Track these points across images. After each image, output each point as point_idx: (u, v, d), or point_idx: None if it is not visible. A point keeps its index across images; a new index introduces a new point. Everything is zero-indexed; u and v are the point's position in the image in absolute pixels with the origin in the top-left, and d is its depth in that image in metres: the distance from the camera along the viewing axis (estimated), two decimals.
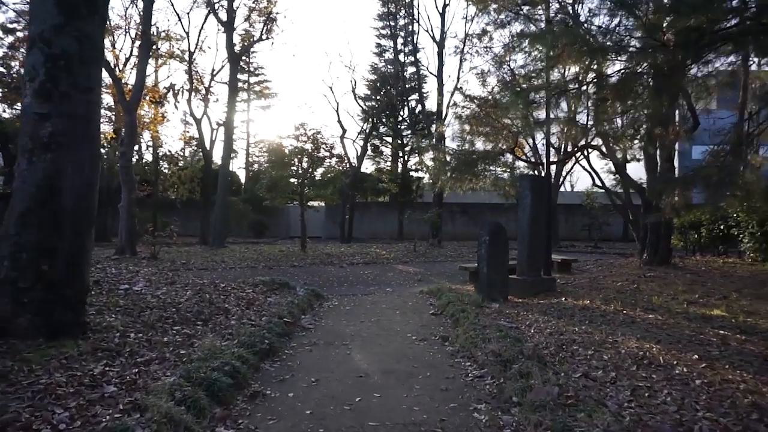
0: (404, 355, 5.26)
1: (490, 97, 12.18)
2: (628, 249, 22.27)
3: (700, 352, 4.61)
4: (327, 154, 17.38)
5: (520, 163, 19.85)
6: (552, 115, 9.51)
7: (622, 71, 5.70)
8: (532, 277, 9.07)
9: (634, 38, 5.34)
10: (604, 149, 14.28)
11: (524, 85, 9.06)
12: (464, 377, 4.52)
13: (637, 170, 31.13)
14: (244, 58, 36.30)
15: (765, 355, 4.49)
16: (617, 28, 5.45)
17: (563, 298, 7.97)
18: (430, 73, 24.93)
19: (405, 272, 13.57)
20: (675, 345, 4.88)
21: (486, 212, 29.12)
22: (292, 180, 17.26)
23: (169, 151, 28.78)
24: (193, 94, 21.85)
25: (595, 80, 6.39)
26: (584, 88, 6.77)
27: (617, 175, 16.27)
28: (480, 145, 11.80)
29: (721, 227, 15.37)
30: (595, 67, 6.14)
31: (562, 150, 17.15)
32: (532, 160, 12.74)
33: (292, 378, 4.48)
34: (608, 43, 5.33)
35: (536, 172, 14.83)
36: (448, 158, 12.03)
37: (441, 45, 22.35)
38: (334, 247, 20.00)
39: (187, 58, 21.69)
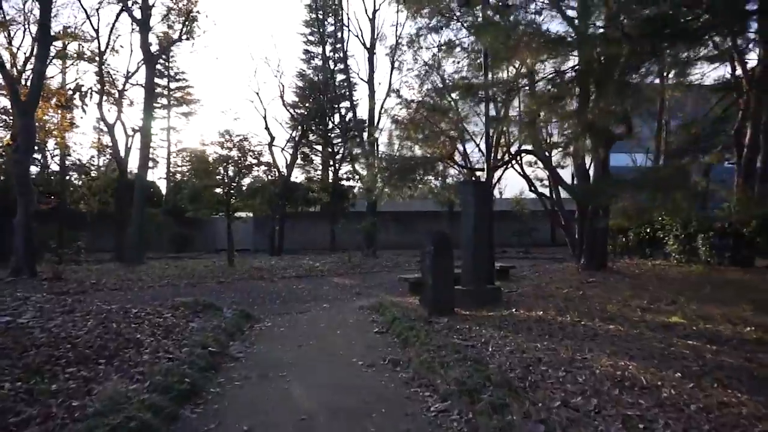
0: (352, 386, 4.56)
1: (428, 100, 11.74)
2: (557, 253, 22.75)
3: (678, 368, 4.25)
4: (254, 161, 16.32)
5: (453, 171, 19.77)
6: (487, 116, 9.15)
7: (577, 66, 5.38)
8: (477, 287, 8.63)
9: (600, 27, 5.04)
10: (537, 155, 14.31)
11: (474, 81, 8.66)
12: (426, 412, 3.88)
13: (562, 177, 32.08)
14: (163, 61, 34.24)
15: (750, 369, 4.19)
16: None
17: (514, 309, 7.57)
18: (361, 79, 24.50)
19: (341, 285, 12.83)
20: (650, 361, 4.50)
21: (420, 220, 28.91)
22: (217, 190, 16.04)
23: (79, 161, 26.41)
24: (105, 97, 19.97)
25: (549, 76, 6.08)
26: (535, 85, 6.42)
27: (550, 181, 16.40)
28: (417, 151, 11.33)
29: (648, 231, 15.87)
30: (550, 61, 5.82)
31: (497, 156, 17.16)
32: (470, 166, 12.48)
33: (219, 427, 3.66)
34: (569, 37, 5.00)
35: (474, 178, 14.71)
36: (384, 165, 11.45)
37: (371, 51, 21.95)
38: (264, 260, 18.88)
39: (97, 58, 19.80)
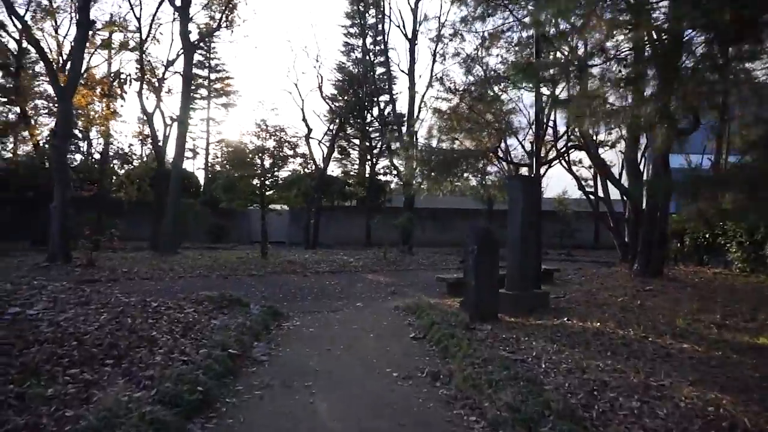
0: (386, 403, 3.98)
1: (473, 89, 10.99)
2: (602, 257, 21.62)
3: None
4: (290, 152, 15.90)
5: (493, 168, 18.99)
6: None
7: (665, 39, 4.61)
8: (524, 291, 7.93)
9: None
10: (588, 151, 13.38)
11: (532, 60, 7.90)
12: None
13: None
14: (204, 52, 34.45)
15: None
16: None
17: (566, 318, 6.83)
18: (402, 71, 23.75)
19: (376, 282, 12.28)
20: (748, 394, 3.73)
21: (457, 218, 28.16)
22: (253, 181, 15.69)
23: (121, 149, 26.74)
24: (145, 86, 19.98)
25: (621, 55, 5.30)
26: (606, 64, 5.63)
27: (596, 181, 15.40)
28: (460, 143, 10.62)
29: (706, 236, 14.69)
30: (623, 36, 5.06)
31: (540, 153, 16.26)
32: (515, 161, 11.69)
33: None
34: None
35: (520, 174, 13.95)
36: (424, 157, 10.80)
37: (413, 42, 21.24)
38: (298, 254, 18.52)
39: (138, 46, 19.82)
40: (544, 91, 10.77)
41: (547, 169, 24.82)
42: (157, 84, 20.11)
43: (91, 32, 17.09)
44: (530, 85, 6.67)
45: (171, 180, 17.00)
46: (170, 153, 23.66)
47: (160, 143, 20.28)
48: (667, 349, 5.08)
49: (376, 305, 9.02)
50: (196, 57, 34.66)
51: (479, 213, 28.30)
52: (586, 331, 5.96)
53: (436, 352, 5.56)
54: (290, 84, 46.14)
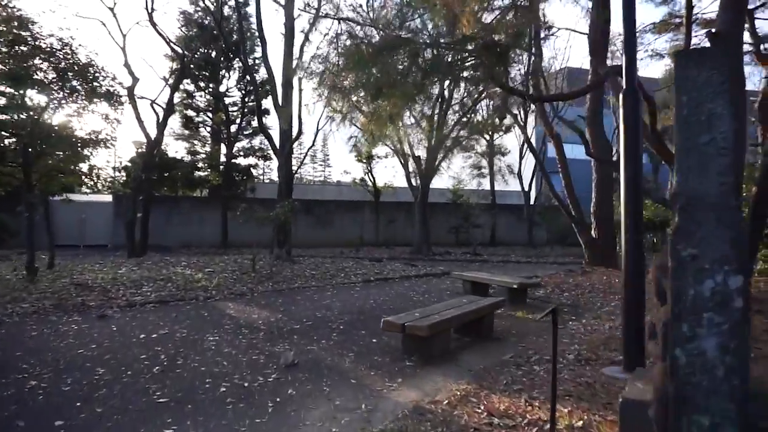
0: None
1: None
2: (511, 255, 17.88)
3: None
4: (83, 86, 8.75)
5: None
6: None
7: None
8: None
9: None
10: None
11: None
12: None
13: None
14: None
15: None
16: None
17: None
18: (275, 1, 16.99)
19: (247, 327, 6.20)
20: None
21: (336, 211, 22.79)
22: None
23: None
24: None
25: None
26: None
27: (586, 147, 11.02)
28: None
29: None
30: None
31: None
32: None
33: None
34: None
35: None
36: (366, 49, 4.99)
37: None
38: (110, 267, 11.46)
39: None
40: None
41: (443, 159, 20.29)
42: None
43: None
44: None
45: None
46: None
47: None
48: None
49: None
50: None
51: (363, 206, 23.19)
52: None
53: None
54: (105, 12, 33.32)
